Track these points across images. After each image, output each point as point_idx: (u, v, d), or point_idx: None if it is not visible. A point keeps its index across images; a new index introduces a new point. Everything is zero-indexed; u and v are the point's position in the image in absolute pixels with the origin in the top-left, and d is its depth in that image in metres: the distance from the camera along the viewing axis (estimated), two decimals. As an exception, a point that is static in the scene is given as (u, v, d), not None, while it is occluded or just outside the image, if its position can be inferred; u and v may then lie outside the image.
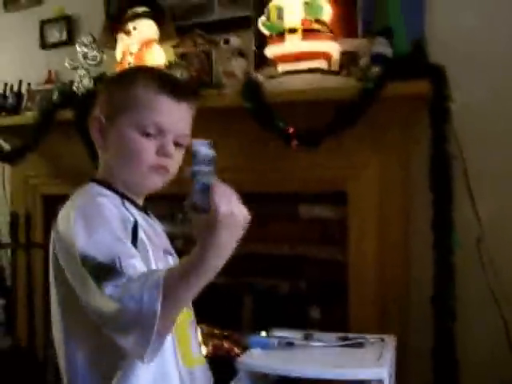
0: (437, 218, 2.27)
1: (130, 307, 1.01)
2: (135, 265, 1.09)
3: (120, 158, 1.28)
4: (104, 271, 1.07)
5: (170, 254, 1.38)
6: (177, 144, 1.30)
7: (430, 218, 2.27)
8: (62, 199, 3.54)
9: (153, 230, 1.34)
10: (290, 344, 1.90)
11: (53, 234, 1.24)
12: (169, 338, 1.17)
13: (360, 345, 1.91)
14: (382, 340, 1.95)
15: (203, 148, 1.04)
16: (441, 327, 2.24)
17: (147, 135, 1.26)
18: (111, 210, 1.19)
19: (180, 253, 1.36)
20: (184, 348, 1.29)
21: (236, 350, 2.78)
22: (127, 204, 1.28)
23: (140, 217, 1.29)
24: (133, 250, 1.15)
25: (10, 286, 3.39)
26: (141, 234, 1.23)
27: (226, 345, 2.79)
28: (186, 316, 1.33)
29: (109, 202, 1.22)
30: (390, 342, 1.96)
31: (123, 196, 1.29)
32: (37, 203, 3.39)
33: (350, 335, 1.99)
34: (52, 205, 3.41)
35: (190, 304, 1.35)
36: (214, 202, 1.00)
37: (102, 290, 1.04)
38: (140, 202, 1.36)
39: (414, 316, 2.41)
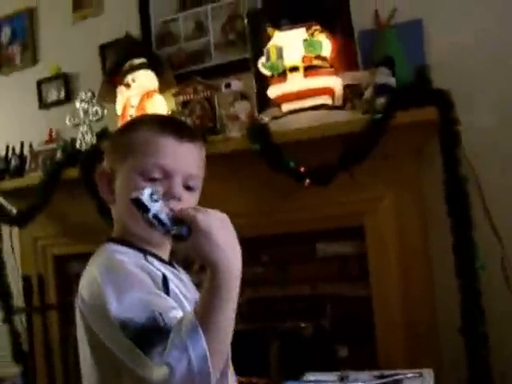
0: (458, 243, 2.25)
1: (179, 366, 0.96)
2: (177, 317, 1.04)
3: (127, 210, 1.19)
4: (148, 336, 1.02)
5: None
6: (188, 187, 1.24)
7: (451, 244, 2.25)
8: (73, 258, 3.55)
9: (181, 283, 1.28)
10: (326, 387, 1.86)
11: (79, 304, 1.18)
12: None
13: (398, 382, 1.86)
14: (421, 375, 1.90)
15: (142, 192, 0.99)
16: (474, 357, 2.20)
17: (153, 180, 1.20)
18: (135, 267, 1.15)
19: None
20: None
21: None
22: (150, 259, 1.22)
23: (166, 270, 1.24)
24: (170, 300, 1.10)
25: (27, 351, 3.33)
26: (172, 287, 1.18)
27: (250, 392, 2.73)
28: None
29: (129, 259, 1.17)
30: (429, 375, 1.90)
31: (145, 251, 1.23)
32: (48, 264, 3.35)
33: (386, 372, 1.95)
34: (63, 264, 3.44)
35: None
36: (187, 218, 0.99)
37: (149, 358, 0.99)
38: (163, 254, 1.29)
39: (444, 346, 2.37)
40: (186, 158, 1.24)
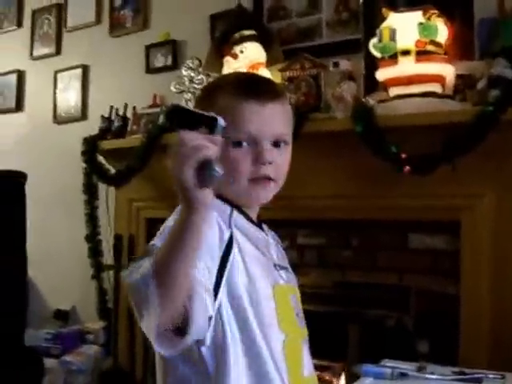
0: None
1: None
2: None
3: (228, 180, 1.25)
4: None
5: (284, 269, 1.34)
6: (278, 145, 1.26)
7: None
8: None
9: (265, 243, 1.32)
10: (403, 375, 1.88)
11: None
12: (268, 361, 1.18)
13: (477, 380, 1.86)
14: (503, 377, 1.89)
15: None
16: None
17: (239, 146, 1.23)
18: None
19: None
20: (293, 368, 1.25)
21: (335, 382, 2.78)
22: (235, 214, 1.26)
23: (250, 228, 1.28)
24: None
25: (112, 308, 3.51)
26: (237, 250, 1.19)
27: (326, 377, 2.78)
28: (297, 334, 1.30)
29: (215, 214, 1.19)
30: (511, 379, 1.89)
31: (233, 207, 1.27)
32: (140, 226, 3.50)
33: (466, 370, 1.95)
34: (154, 227, 3.56)
35: (304, 322, 1.33)
36: None
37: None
38: (253, 213, 1.33)
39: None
40: (270, 120, 1.25)
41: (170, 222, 1.13)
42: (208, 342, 1.16)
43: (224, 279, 1.15)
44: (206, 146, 0.92)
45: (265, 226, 1.39)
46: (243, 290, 1.19)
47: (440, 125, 2.35)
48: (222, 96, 1.25)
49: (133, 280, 1.01)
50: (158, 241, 1.08)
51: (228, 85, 1.30)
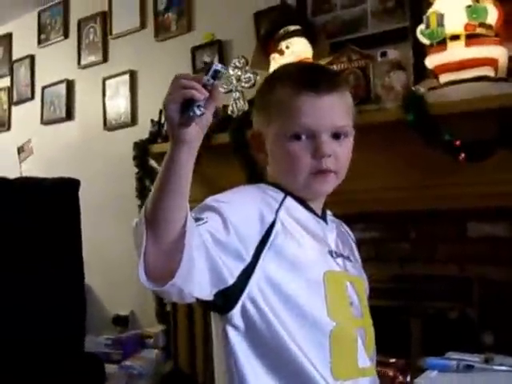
0: None
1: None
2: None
3: (280, 169, 1.30)
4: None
5: (343, 257, 1.35)
6: (338, 137, 1.28)
7: None
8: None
9: (321, 230, 1.33)
10: (469, 367, 1.85)
11: None
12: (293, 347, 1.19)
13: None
14: None
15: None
16: None
17: (298, 139, 1.25)
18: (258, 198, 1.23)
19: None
20: (342, 357, 1.25)
21: (400, 378, 2.76)
22: (289, 200, 1.28)
23: (305, 216, 1.30)
24: (218, 223, 1.15)
25: (171, 311, 3.56)
26: (281, 234, 1.21)
27: (390, 373, 2.77)
28: (350, 323, 1.29)
29: (263, 196, 1.24)
30: None
31: (288, 194, 1.29)
32: (194, 228, 3.54)
33: (537, 360, 1.91)
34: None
35: (361, 312, 1.32)
36: None
37: None
38: (316, 204, 1.35)
39: None
40: (328, 112, 1.26)
41: None
42: (241, 326, 1.20)
43: (260, 260, 1.18)
44: (192, 85, 0.97)
45: (330, 216, 1.40)
46: (282, 275, 1.20)
47: (494, 109, 2.32)
48: (280, 88, 1.28)
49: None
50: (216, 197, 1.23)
51: (285, 76, 1.32)
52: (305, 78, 1.28)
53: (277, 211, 1.23)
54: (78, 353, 3.25)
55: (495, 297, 2.59)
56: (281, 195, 1.28)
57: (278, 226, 1.21)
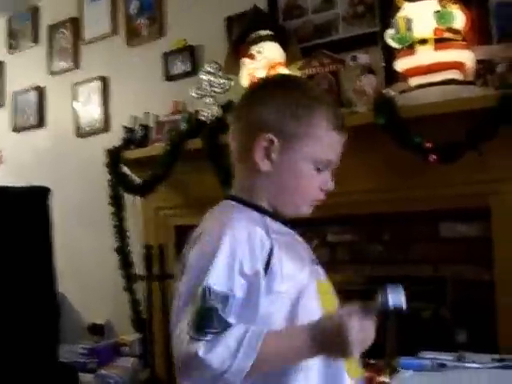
0: None
1: (216, 361, 1.12)
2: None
3: (283, 186, 1.32)
4: (211, 316, 1.15)
5: (317, 264, 1.40)
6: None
7: None
8: (194, 229, 3.69)
9: (298, 243, 1.39)
10: (443, 365, 1.92)
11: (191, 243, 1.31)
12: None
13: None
14: (545, 363, 1.91)
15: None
16: None
17: (318, 170, 1.31)
18: (252, 242, 1.23)
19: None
20: (351, 360, 1.31)
21: (377, 378, 2.81)
22: (269, 221, 1.31)
23: (282, 228, 1.34)
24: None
25: (146, 319, 3.59)
26: (276, 260, 1.25)
27: (366, 374, 2.82)
28: None
29: (247, 223, 1.26)
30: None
31: (265, 213, 1.32)
32: (169, 234, 3.59)
33: (506, 357, 1.98)
34: (184, 235, 3.61)
35: None
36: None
37: (198, 335, 1.13)
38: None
39: None
40: (341, 152, 1.36)
41: (209, 250, 1.22)
42: None
43: (263, 285, 1.22)
44: (371, 336, 1.18)
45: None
46: (283, 294, 1.25)
47: (463, 111, 2.40)
48: (319, 114, 1.31)
49: (217, 362, 1.12)
50: (212, 279, 1.17)
51: (324, 104, 1.34)
52: (338, 116, 1.35)
53: (268, 233, 1.27)
54: (52, 362, 3.25)
55: (468, 296, 2.66)
56: (260, 216, 1.31)
57: (274, 250, 1.26)
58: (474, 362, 1.96)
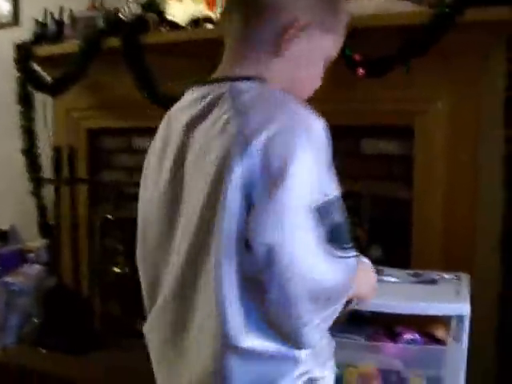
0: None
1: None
2: None
3: (295, 76, 1.25)
4: (340, 232, 1.10)
5: None
6: None
7: (502, 156, 2.28)
8: (107, 133, 3.62)
9: None
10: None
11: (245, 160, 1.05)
12: None
13: (433, 281, 1.94)
14: (458, 278, 1.96)
15: None
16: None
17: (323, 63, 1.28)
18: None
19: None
20: None
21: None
22: None
23: None
24: None
25: (54, 225, 3.49)
26: None
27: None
28: None
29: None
30: (466, 280, 1.96)
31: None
32: (80, 137, 3.46)
33: (421, 271, 2.03)
34: (96, 138, 3.53)
35: None
36: None
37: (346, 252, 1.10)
38: None
39: (478, 260, 2.42)
40: None
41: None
42: None
43: None
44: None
45: None
46: None
47: (396, 26, 2.37)
48: (344, 11, 1.27)
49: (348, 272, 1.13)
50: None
51: (345, 5, 1.29)
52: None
53: None
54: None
55: (385, 212, 2.70)
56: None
57: None
58: (390, 275, 2.00)
